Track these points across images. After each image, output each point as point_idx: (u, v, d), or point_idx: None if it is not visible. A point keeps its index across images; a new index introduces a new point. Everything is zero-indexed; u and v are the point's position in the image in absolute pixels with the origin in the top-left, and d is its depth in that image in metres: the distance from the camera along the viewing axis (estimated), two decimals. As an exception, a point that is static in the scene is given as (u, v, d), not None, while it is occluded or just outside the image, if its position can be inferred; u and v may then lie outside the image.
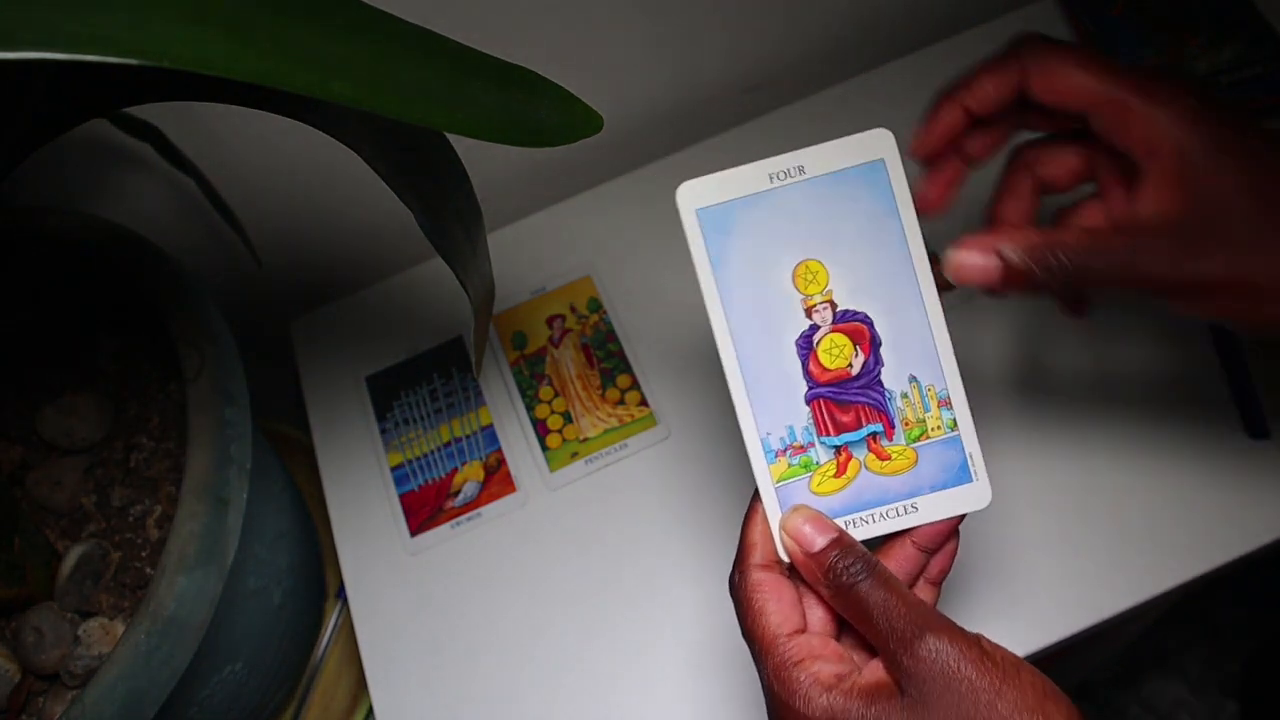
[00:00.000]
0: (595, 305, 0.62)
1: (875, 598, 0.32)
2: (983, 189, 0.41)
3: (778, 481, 0.35)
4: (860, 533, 0.34)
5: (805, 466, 0.35)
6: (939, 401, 0.35)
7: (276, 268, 0.63)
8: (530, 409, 0.59)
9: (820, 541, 0.33)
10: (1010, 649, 0.47)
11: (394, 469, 0.58)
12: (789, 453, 0.35)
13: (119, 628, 0.44)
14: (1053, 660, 0.51)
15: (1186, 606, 1.10)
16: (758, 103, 0.68)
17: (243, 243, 0.53)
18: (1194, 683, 1.14)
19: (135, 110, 0.47)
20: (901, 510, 0.35)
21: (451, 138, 0.34)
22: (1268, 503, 0.50)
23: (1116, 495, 0.51)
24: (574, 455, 0.57)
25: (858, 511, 0.35)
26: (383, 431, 0.59)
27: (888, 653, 0.31)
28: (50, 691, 0.44)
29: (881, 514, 0.35)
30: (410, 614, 0.54)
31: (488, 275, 0.42)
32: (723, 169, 0.36)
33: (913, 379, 0.35)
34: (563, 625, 0.52)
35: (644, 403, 0.58)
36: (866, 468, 0.35)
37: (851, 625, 0.33)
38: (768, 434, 0.35)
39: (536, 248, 0.64)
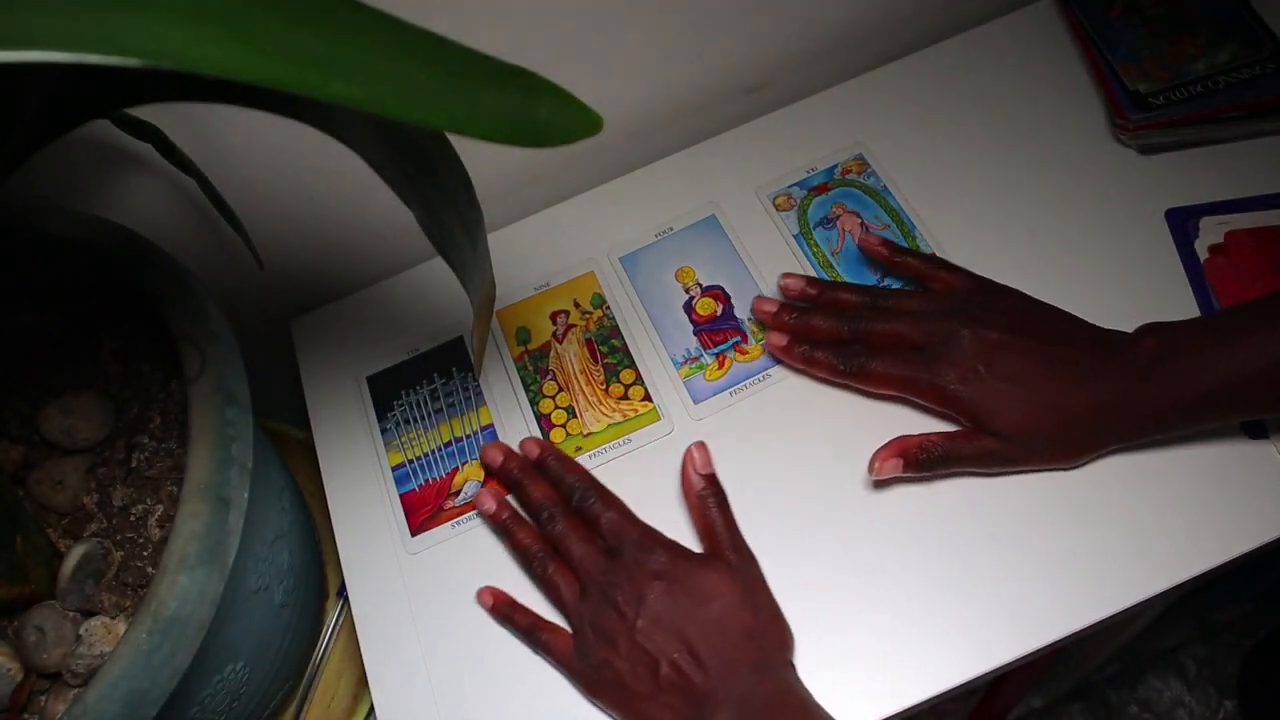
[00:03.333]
0: (599, 300, 0.62)
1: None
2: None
3: (684, 378, 0.58)
4: (741, 395, 0.57)
5: (700, 368, 0.59)
6: None
7: (276, 268, 0.63)
8: (534, 404, 0.59)
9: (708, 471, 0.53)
10: (1009, 648, 0.48)
11: (394, 468, 0.58)
12: (689, 363, 0.59)
13: (121, 627, 0.44)
14: (1052, 660, 0.51)
15: (1184, 606, 1.10)
16: (758, 103, 0.68)
17: (244, 243, 0.53)
18: (1192, 682, 1.14)
19: (137, 111, 0.47)
20: (761, 378, 0.58)
21: (452, 138, 0.34)
22: (1265, 503, 0.50)
23: (1114, 494, 0.51)
24: (578, 450, 0.57)
25: (735, 385, 0.58)
26: (383, 431, 0.60)
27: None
28: (52, 690, 0.45)
29: (749, 384, 0.58)
30: (410, 613, 0.54)
31: (488, 275, 0.42)
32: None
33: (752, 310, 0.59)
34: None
35: (648, 398, 0.58)
36: (736, 361, 0.59)
37: None
38: (673, 354, 0.59)
39: (538, 245, 0.65)
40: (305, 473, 0.67)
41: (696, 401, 0.58)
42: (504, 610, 0.53)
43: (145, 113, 0.47)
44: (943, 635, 0.49)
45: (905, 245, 0.60)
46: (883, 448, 0.52)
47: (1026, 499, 0.52)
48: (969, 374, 0.51)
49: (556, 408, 0.59)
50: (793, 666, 0.48)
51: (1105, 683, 1.14)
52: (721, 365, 0.58)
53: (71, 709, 0.37)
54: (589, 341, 0.61)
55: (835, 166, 0.64)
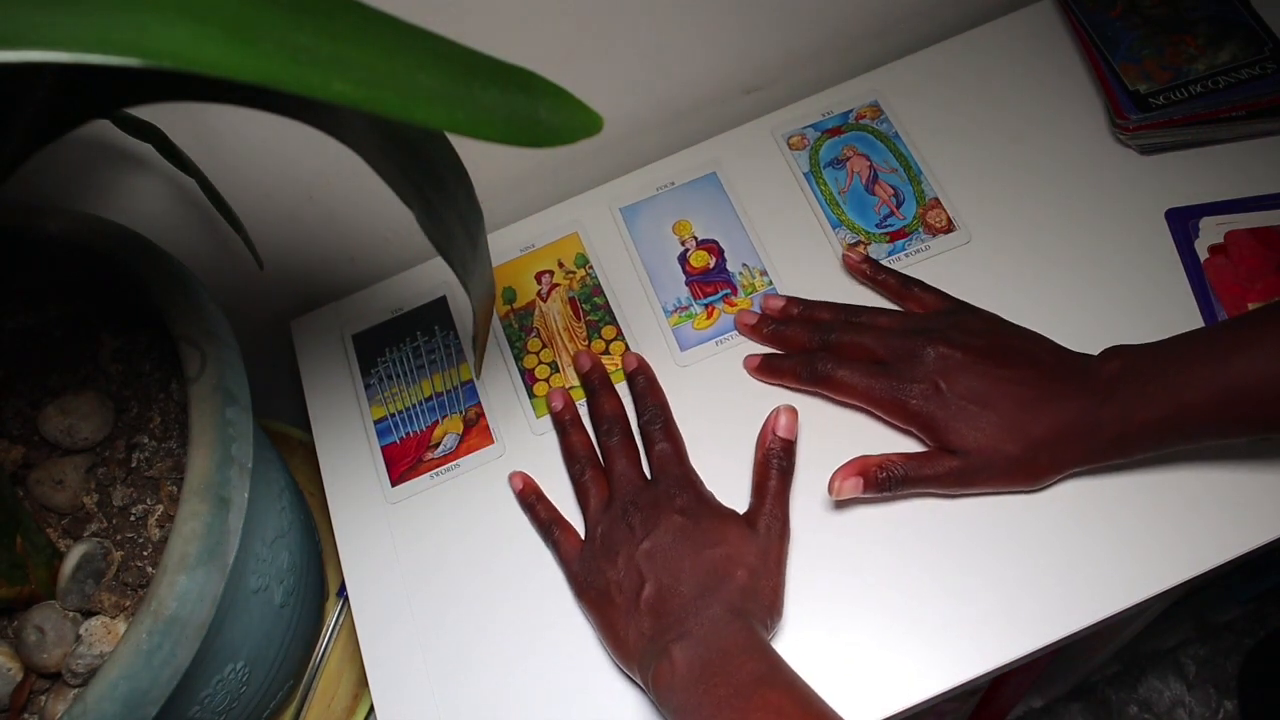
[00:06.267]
0: (583, 260, 0.63)
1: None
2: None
3: (673, 326, 0.60)
4: (726, 345, 0.59)
5: (689, 317, 0.60)
6: (760, 273, 0.61)
7: (276, 268, 0.63)
8: (519, 359, 0.60)
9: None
10: (1009, 648, 0.48)
11: (377, 422, 0.59)
12: (679, 311, 0.61)
13: (121, 627, 0.44)
14: (1052, 660, 0.51)
15: (1184, 605, 1.10)
16: (758, 103, 0.68)
17: (244, 243, 0.54)
18: (1192, 682, 1.14)
19: (137, 111, 0.47)
20: None
21: (452, 138, 0.34)
22: (1266, 503, 0.50)
23: (1114, 495, 0.51)
24: None
25: (721, 335, 0.59)
26: (367, 387, 0.60)
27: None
28: (52, 690, 0.45)
29: (735, 335, 0.59)
30: (417, 622, 0.54)
31: (489, 275, 0.42)
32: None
33: (744, 265, 0.62)
34: (555, 592, 0.53)
35: (629, 352, 0.60)
36: (724, 312, 0.60)
37: None
38: (664, 303, 0.61)
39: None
40: (305, 473, 0.67)
41: (683, 348, 0.59)
42: (530, 498, 0.55)
43: (145, 113, 0.47)
44: (943, 635, 0.49)
45: (913, 191, 0.62)
46: (843, 466, 0.51)
47: (1027, 500, 0.52)
48: (930, 391, 0.51)
49: (540, 363, 0.60)
50: (768, 630, 0.48)
51: (1105, 683, 1.14)
52: (710, 315, 0.60)
53: (71, 709, 0.37)
54: (572, 300, 0.62)
55: (850, 111, 0.66)
